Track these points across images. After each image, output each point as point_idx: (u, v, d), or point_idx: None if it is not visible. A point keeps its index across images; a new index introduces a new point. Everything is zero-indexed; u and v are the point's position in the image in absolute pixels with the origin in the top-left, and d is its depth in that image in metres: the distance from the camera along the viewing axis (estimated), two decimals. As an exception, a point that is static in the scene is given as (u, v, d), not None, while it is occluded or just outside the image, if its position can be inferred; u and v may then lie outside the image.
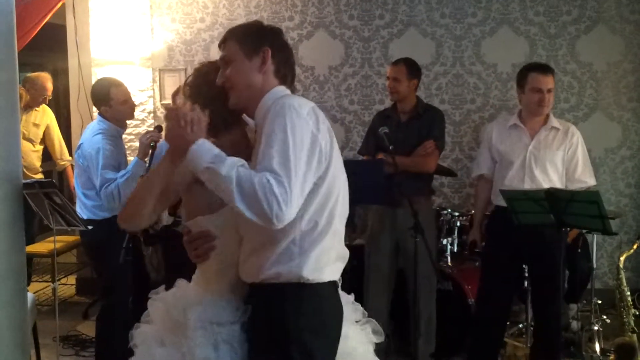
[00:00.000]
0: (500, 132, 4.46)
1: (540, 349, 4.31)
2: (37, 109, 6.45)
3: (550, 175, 4.22)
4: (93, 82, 6.14)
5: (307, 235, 2.29)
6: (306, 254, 2.28)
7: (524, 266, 4.64)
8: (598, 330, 4.97)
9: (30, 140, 6.37)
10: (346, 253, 2.45)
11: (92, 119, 5.96)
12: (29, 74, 6.58)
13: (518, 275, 4.56)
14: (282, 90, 2.42)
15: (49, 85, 6.45)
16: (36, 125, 6.44)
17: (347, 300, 2.59)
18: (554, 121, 4.31)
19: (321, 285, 2.33)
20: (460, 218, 5.31)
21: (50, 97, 6.53)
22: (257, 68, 2.40)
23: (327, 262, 2.33)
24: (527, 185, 4.18)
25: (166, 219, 4.35)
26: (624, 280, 4.11)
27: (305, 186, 2.21)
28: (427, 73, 6.23)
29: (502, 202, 4.18)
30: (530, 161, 4.25)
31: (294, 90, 2.51)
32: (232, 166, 2.15)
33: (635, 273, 6.11)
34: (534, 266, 4.32)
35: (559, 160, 4.24)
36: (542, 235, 4.10)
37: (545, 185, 4.13)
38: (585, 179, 4.18)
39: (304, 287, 2.30)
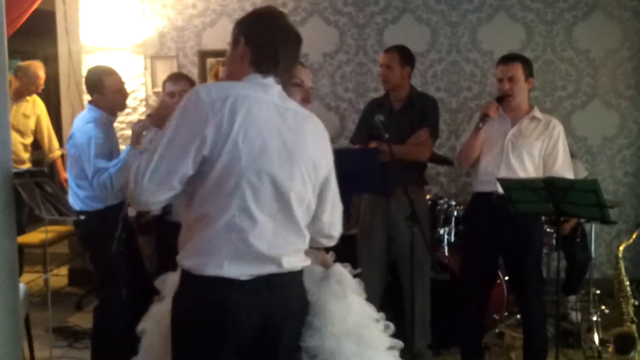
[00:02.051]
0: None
1: (528, 341, 4.28)
2: (27, 99, 6.34)
3: (526, 165, 4.18)
4: (83, 69, 6.09)
5: (195, 223, 2.29)
6: (190, 243, 2.30)
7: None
8: (597, 320, 4.94)
9: (20, 132, 6.26)
10: (265, 255, 2.29)
11: (83, 106, 5.89)
12: (20, 63, 6.47)
13: (494, 262, 4.51)
14: (252, 77, 2.37)
15: (42, 74, 6.32)
16: (26, 116, 6.33)
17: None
18: (537, 112, 4.27)
19: (202, 279, 2.26)
20: (457, 207, 5.26)
21: (43, 87, 6.41)
22: (238, 57, 2.41)
23: (211, 255, 2.24)
24: (503, 172, 4.13)
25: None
26: (622, 270, 4.07)
27: (159, 171, 2.20)
28: (423, 60, 6.17)
29: (482, 188, 4.26)
30: (508, 148, 4.20)
31: (281, 75, 2.43)
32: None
33: (633, 262, 6.07)
34: (510, 256, 4.28)
35: (536, 150, 4.19)
36: (519, 224, 4.08)
37: (521, 173, 4.12)
38: (564, 173, 4.10)
39: (186, 276, 2.31)
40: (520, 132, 4.22)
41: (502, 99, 4.19)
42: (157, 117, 4.09)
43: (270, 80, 2.37)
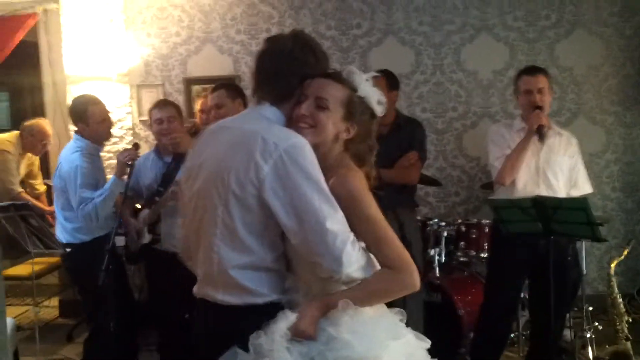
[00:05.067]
0: (506, 134, 4.34)
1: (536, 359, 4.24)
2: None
3: (559, 181, 4.16)
4: (69, 99, 6.07)
5: None
6: None
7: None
8: (590, 337, 4.91)
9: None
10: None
11: (69, 137, 5.86)
12: (26, 123, 6.41)
13: (522, 282, 4.45)
14: None
15: (48, 130, 6.28)
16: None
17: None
18: (556, 126, 4.26)
19: None
20: (447, 227, 5.23)
21: (51, 143, 6.35)
22: None
23: None
24: (543, 191, 4.08)
25: (146, 237, 4.27)
26: (615, 287, 4.06)
27: None
28: (408, 82, 6.18)
29: None
30: (545, 166, 4.17)
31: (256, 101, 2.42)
32: None
33: (625, 277, 6.06)
34: (533, 274, 4.24)
35: (565, 165, 4.19)
36: (540, 244, 4.00)
37: (559, 192, 4.09)
38: (586, 186, 4.10)
39: None
40: (551, 149, 4.18)
41: (540, 109, 4.12)
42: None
43: None
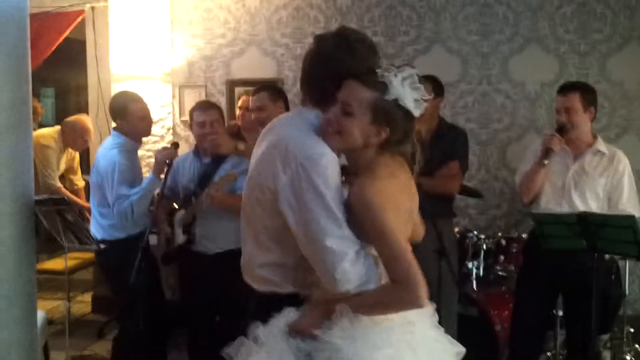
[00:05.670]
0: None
1: None
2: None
3: (588, 202, 4.03)
4: (112, 97, 6.10)
5: None
6: None
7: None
8: (630, 359, 4.77)
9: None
10: None
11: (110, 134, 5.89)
12: (67, 119, 6.47)
13: (553, 300, 4.36)
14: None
15: (90, 126, 6.31)
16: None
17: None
18: (601, 145, 4.12)
19: None
20: (487, 241, 5.13)
21: (92, 139, 6.37)
22: None
23: None
24: (564, 210, 4.00)
25: (181, 238, 4.24)
26: (660, 309, 3.92)
27: None
28: (453, 91, 6.08)
29: None
30: (570, 185, 4.07)
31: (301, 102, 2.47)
32: None
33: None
34: (570, 293, 4.13)
35: (599, 187, 4.04)
36: (579, 261, 3.90)
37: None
38: (630, 209, 3.94)
39: None
40: (584, 168, 4.08)
41: (562, 130, 4.06)
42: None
43: None
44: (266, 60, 6.39)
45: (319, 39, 2.42)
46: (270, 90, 4.35)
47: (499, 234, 5.28)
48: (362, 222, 2.14)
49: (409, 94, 2.19)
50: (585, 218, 3.60)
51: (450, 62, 6.18)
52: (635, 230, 3.43)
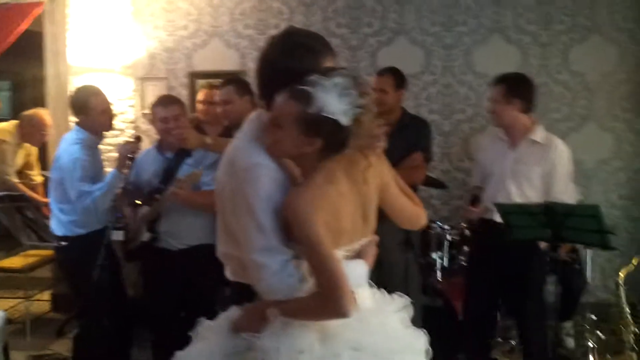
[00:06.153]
0: (487, 143, 4.46)
1: None
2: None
3: (525, 191, 4.11)
4: (70, 90, 5.98)
5: None
6: None
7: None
8: (592, 346, 4.82)
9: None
10: None
11: (68, 128, 5.78)
12: (24, 113, 6.33)
13: (502, 289, 4.41)
14: None
15: (48, 121, 6.16)
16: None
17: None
18: (537, 134, 4.18)
19: None
20: (451, 231, 5.15)
21: (50, 134, 6.22)
22: None
23: None
24: (501, 200, 4.05)
25: (145, 235, 4.18)
26: (623, 297, 3.96)
27: None
28: (416, 82, 6.08)
29: (484, 215, 4.24)
30: (507, 175, 4.14)
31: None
32: None
33: (628, 287, 5.94)
34: (511, 283, 4.21)
35: (535, 176, 4.11)
36: (520, 251, 4.03)
37: (519, 201, 4.05)
38: (563, 198, 4.00)
39: None
40: (520, 158, 4.13)
41: None
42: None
43: None
44: (229, 52, 6.33)
45: (268, 41, 2.36)
46: (237, 84, 4.30)
47: (463, 224, 5.30)
48: (291, 230, 2.13)
49: (335, 103, 2.11)
50: (551, 208, 3.64)
51: (413, 53, 6.18)
52: (599, 220, 3.47)
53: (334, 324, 2.15)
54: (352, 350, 2.15)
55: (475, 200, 4.31)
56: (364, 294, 2.29)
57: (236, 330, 2.23)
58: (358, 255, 2.28)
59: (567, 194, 4.08)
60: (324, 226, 2.09)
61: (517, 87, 4.17)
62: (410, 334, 2.33)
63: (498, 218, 4.00)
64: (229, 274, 2.42)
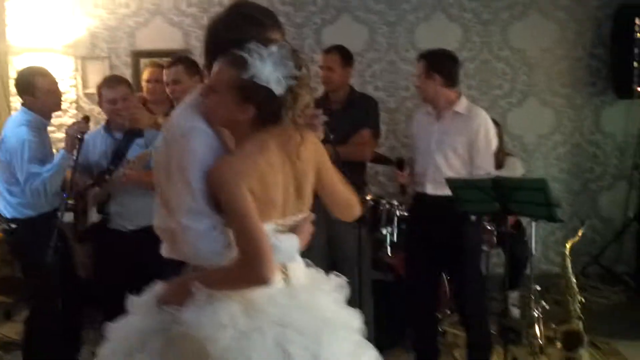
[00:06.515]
0: (418, 118, 4.49)
1: (470, 338, 4.33)
2: None
3: (451, 162, 4.16)
4: (10, 70, 5.85)
5: None
6: None
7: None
8: (538, 316, 4.96)
9: None
10: None
11: (9, 109, 5.65)
12: None
13: (440, 261, 4.51)
14: None
15: None
16: None
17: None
18: (460, 106, 4.23)
19: None
20: (400, 207, 5.21)
21: None
22: None
23: None
24: (430, 172, 4.16)
25: (95, 216, 4.14)
26: (569, 268, 4.07)
27: None
28: (361, 60, 6.11)
29: (418, 189, 4.33)
30: (433, 147, 4.21)
31: None
32: None
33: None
34: (447, 254, 4.27)
35: (459, 146, 4.16)
36: (453, 223, 4.10)
37: (448, 172, 4.10)
38: (485, 166, 4.12)
39: None
40: (445, 129, 4.20)
41: None
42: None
43: None
44: (172, 30, 6.27)
45: (211, 18, 2.38)
46: (186, 63, 4.26)
47: (410, 200, 5.37)
48: (216, 197, 2.13)
49: (269, 71, 2.11)
50: (499, 182, 3.72)
51: (358, 31, 6.23)
52: (546, 193, 3.56)
53: (260, 299, 2.15)
54: (277, 326, 2.14)
55: (400, 163, 4.40)
56: (297, 270, 2.31)
57: (161, 305, 2.19)
58: (292, 231, 2.27)
59: (487, 162, 4.18)
60: (249, 194, 2.09)
61: (437, 63, 4.23)
62: (343, 313, 2.33)
63: (430, 191, 4.13)
64: (163, 250, 2.37)
